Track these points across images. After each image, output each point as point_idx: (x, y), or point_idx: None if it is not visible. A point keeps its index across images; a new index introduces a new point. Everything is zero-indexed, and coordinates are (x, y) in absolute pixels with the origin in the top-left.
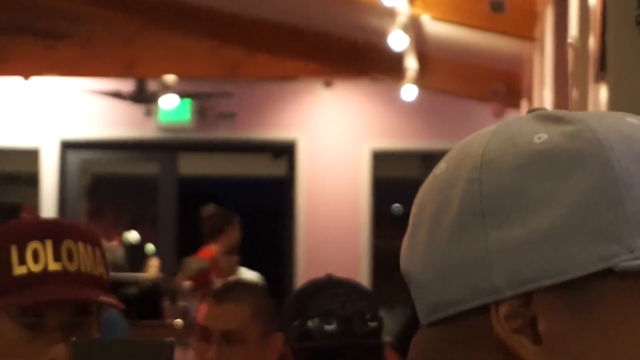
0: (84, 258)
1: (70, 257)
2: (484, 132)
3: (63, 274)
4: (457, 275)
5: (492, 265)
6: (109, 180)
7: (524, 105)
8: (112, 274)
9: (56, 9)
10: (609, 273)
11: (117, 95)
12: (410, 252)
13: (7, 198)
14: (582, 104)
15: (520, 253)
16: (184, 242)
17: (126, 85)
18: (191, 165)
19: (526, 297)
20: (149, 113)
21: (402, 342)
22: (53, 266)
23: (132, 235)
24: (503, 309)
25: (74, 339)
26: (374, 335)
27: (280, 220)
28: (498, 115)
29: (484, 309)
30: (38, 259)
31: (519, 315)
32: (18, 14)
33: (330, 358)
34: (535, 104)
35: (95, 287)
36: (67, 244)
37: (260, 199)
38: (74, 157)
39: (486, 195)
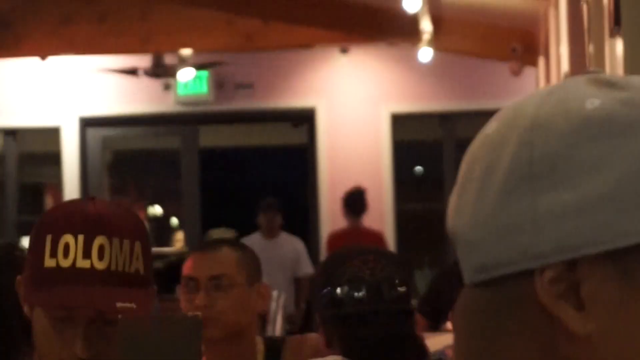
0: (116, 255)
1: (100, 255)
2: (538, 94)
3: (90, 272)
4: (504, 238)
5: (539, 230)
6: (130, 156)
7: (541, 63)
8: None
9: None
10: None
11: (134, 70)
12: (458, 211)
13: (30, 178)
14: (599, 59)
15: (568, 219)
16: (208, 214)
17: (143, 61)
18: (211, 137)
19: (571, 263)
20: (167, 87)
21: (428, 305)
22: (81, 263)
23: (156, 210)
24: (548, 274)
25: (120, 317)
26: (404, 300)
27: (303, 188)
28: (516, 73)
29: (529, 273)
30: (68, 254)
31: (563, 280)
32: None
33: (359, 324)
34: (552, 61)
35: (125, 285)
36: (99, 240)
37: (282, 168)
38: (94, 134)
39: (536, 158)
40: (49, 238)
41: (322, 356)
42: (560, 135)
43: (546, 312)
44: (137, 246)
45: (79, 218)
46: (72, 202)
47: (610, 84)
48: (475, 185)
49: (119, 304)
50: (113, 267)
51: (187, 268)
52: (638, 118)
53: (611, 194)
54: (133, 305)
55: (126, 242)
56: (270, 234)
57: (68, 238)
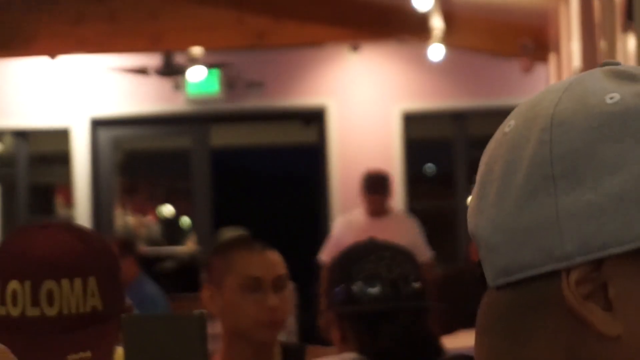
0: (67, 298)
1: (50, 300)
2: (555, 89)
3: (41, 321)
4: (527, 239)
5: (562, 231)
6: (141, 155)
7: (552, 59)
8: (149, 248)
9: None
10: None
11: (144, 70)
12: (479, 213)
13: (40, 178)
14: (611, 54)
15: (592, 218)
16: (219, 213)
17: (153, 60)
18: (222, 137)
19: (597, 263)
20: (178, 86)
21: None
22: (31, 311)
23: (167, 209)
24: (574, 275)
25: (123, 315)
26: (419, 296)
27: (314, 187)
28: (527, 70)
29: (554, 274)
30: (17, 302)
31: (589, 280)
32: None
33: (375, 321)
34: (564, 57)
35: (81, 327)
36: (47, 285)
37: (293, 167)
38: (105, 134)
39: (557, 157)
40: None
41: None
42: (580, 133)
43: (573, 313)
44: (92, 282)
45: (25, 262)
46: (19, 239)
47: (630, 77)
48: (495, 187)
49: (70, 356)
50: (65, 311)
51: (247, 267)
52: None
53: (633, 191)
54: (87, 354)
55: (77, 281)
56: (377, 213)
57: (15, 285)
